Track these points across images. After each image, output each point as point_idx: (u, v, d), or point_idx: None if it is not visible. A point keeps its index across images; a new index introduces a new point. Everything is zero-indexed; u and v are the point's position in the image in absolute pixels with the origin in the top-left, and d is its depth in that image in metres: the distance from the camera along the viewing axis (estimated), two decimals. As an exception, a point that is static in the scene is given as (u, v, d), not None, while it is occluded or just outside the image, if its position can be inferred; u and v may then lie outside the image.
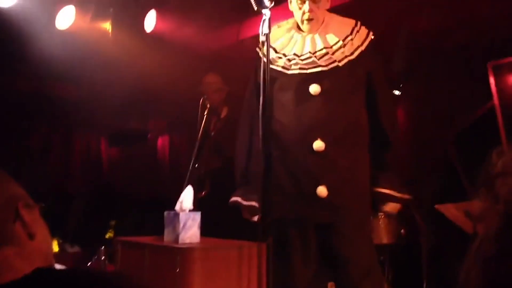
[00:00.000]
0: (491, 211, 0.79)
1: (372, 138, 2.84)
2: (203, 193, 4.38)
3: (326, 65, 2.76)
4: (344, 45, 2.79)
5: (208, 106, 3.95)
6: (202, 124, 3.91)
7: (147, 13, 4.65)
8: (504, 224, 0.77)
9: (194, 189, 2.66)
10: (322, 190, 2.64)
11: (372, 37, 2.86)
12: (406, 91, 6.35)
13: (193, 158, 3.68)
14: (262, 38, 2.54)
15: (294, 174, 2.73)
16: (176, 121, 6.43)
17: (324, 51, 2.78)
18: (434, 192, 4.84)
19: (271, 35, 2.62)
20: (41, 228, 1.12)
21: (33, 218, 1.10)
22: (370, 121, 2.85)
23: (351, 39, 2.81)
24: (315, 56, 2.78)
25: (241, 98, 3.06)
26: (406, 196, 2.82)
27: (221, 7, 4.77)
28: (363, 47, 2.81)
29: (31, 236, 1.09)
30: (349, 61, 2.78)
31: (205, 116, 3.93)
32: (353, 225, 2.72)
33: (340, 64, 2.77)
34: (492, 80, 5.45)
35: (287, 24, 2.95)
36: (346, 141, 2.76)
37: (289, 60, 2.81)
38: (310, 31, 2.84)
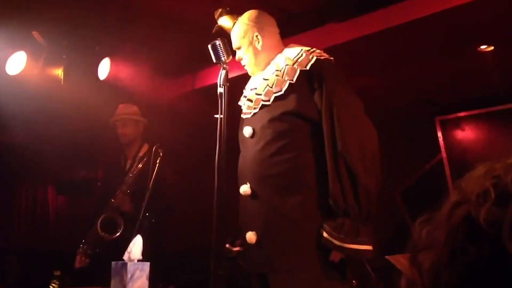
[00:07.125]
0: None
1: (326, 181, 2.44)
2: None
3: (257, 106, 2.68)
4: (273, 82, 2.60)
5: (161, 154, 3.89)
6: (154, 173, 3.84)
7: (101, 60, 4.63)
8: None
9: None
10: (250, 236, 2.51)
11: (315, 59, 2.53)
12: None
13: (143, 207, 3.60)
14: (220, 89, 2.56)
15: (238, 221, 2.70)
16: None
17: (252, 92, 2.73)
18: (384, 242, 4.88)
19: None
20: None
21: None
22: (320, 161, 2.48)
23: (282, 73, 2.58)
24: (249, 100, 2.74)
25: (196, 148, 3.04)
26: (347, 246, 2.35)
27: (176, 56, 4.80)
28: (293, 80, 2.53)
29: None
30: (277, 97, 2.57)
31: (157, 165, 3.87)
32: (291, 279, 2.41)
33: (269, 102, 2.61)
34: (440, 134, 5.64)
35: None
36: (277, 184, 2.51)
37: (244, 103, 2.82)
38: (254, 73, 2.81)
